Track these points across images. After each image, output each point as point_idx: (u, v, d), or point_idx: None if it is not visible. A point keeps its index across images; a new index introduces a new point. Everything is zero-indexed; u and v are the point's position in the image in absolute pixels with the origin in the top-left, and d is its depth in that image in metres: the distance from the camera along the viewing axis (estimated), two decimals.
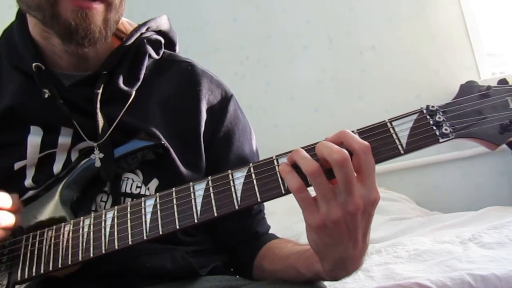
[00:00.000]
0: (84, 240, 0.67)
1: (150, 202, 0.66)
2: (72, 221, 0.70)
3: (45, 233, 0.71)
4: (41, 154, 0.79)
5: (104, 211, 0.69)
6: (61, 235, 0.69)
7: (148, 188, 0.79)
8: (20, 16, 0.84)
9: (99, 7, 0.73)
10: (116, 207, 0.68)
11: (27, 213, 0.74)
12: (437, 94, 2.19)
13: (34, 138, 0.79)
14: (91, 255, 0.66)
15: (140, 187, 0.79)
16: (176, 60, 0.91)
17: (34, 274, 0.68)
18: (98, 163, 0.76)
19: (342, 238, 0.59)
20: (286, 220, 1.71)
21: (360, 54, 2.38)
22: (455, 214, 1.81)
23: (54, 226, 0.71)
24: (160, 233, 0.64)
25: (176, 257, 0.77)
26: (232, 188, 0.62)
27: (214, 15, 2.57)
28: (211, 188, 0.63)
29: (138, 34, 0.84)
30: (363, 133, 0.60)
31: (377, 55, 2.35)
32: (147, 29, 0.86)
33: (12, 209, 0.70)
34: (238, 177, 0.62)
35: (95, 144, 0.77)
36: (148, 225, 0.65)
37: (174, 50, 0.95)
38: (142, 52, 0.84)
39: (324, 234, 0.59)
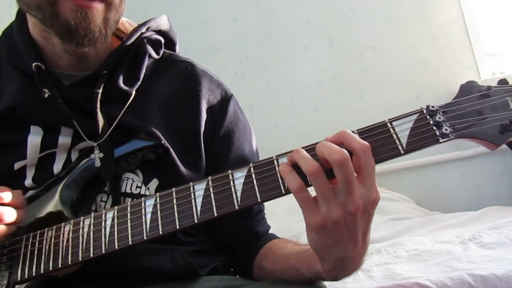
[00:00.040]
0: (84, 240, 0.67)
1: (150, 202, 0.66)
2: (72, 221, 0.70)
3: (45, 233, 0.71)
4: (41, 154, 0.79)
5: (104, 211, 0.69)
6: (61, 235, 0.69)
7: (148, 188, 0.79)
8: (20, 16, 0.84)
9: (99, 7, 0.73)
10: (116, 207, 0.68)
11: (27, 213, 0.74)
12: (437, 94, 2.19)
13: (34, 138, 0.79)
14: (91, 255, 0.66)
15: (140, 187, 0.79)
16: (176, 60, 0.91)
17: (34, 274, 0.68)
18: (98, 163, 0.76)
19: (342, 238, 0.59)
20: (286, 220, 1.71)
21: (360, 54, 2.38)
22: (455, 214, 1.81)
23: (54, 226, 0.71)
24: (160, 233, 0.64)
25: (176, 257, 0.77)
26: (232, 188, 0.62)
27: (214, 15, 2.57)
28: (211, 188, 0.63)
29: (138, 34, 0.84)
30: (363, 133, 0.60)
31: (377, 55, 2.35)
32: (147, 29, 0.86)
33: (16, 205, 0.70)
34: (238, 177, 0.62)
35: (95, 144, 0.77)
36: (148, 225, 0.65)
37: (174, 50, 0.95)
38: (142, 52, 0.84)
39: (324, 234, 0.59)
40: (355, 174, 0.56)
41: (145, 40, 0.85)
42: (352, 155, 0.57)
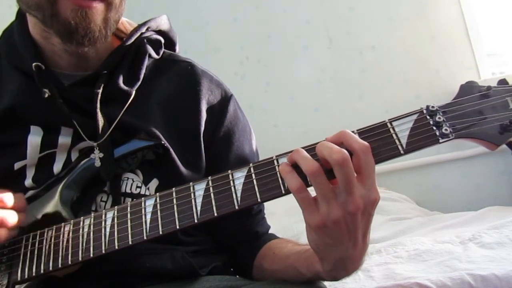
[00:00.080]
0: (84, 240, 0.67)
1: (150, 202, 0.66)
2: (72, 221, 0.70)
3: (45, 233, 0.71)
4: (41, 154, 0.79)
5: (104, 211, 0.69)
6: (61, 235, 0.69)
7: (148, 188, 0.79)
8: (20, 16, 0.84)
9: (99, 6, 0.73)
10: (116, 207, 0.68)
11: (27, 213, 0.74)
12: (437, 94, 2.20)
13: (34, 138, 0.79)
14: (91, 255, 0.66)
15: (140, 187, 0.79)
16: (176, 60, 0.91)
17: (34, 274, 0.68)
18: (98, 163, 0.76)
19: (342, 238, 0.59)
20: (286, 220, 1.71)
21: (360, 54, 2.38)
22: (455, 214, 1.81)
23: (54, 226, 0.71)
24: (160, 233, 0.64)
25: (176, 257, 0.77)
26: (232, 188, 0.62)
27: (214, 15, 2.57)
28: (211, 188, 0.63)
29: (138, 34, 0.84)
30: (363, 133, 0.60)
31: (377, 55, 2.35)
32: (147, 29, 0.86)
33: (18, 208, 0.70)
34: (238, 177, 0.62)
35: (95, 144, 0.77)
36: (148, 225, 0.65)
37: (174, 50, 0.95)
38: (142, 52, 0.84)
39: (324, 234, 0.59)
40: (355, 174, 0.56)
41: (145, 40, 0.85)
42: (352, 155, 0.57)
